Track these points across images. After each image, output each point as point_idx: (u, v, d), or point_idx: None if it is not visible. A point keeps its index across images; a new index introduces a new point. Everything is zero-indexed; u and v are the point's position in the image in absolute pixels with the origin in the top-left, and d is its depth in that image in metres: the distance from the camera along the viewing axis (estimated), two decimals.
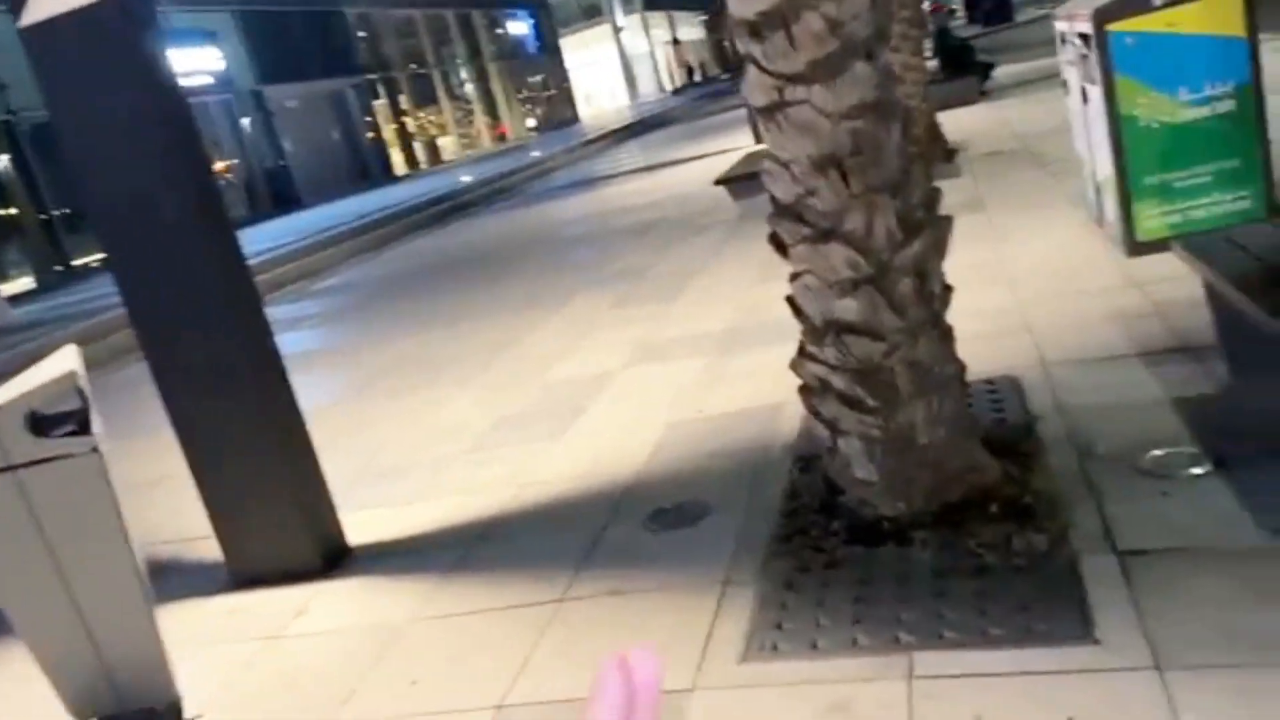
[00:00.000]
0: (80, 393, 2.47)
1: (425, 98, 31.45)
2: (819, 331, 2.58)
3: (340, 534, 3.37)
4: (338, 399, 5.57)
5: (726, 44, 70.18)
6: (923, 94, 8.01)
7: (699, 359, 4.58)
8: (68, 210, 17.88)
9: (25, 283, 17.13)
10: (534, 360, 5.33)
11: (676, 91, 50.91)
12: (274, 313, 9.74)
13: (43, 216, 17.51)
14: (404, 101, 29.91)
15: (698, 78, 53.15)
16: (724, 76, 58.39)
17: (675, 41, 60.06)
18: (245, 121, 23.10)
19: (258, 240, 15.06)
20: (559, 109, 41.31)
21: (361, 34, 28.34)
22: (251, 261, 10.16)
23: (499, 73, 36.03)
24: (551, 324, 6.14)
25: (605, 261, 7.74)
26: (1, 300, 12.52)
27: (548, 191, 15.68)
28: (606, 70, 51.62)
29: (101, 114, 2.99)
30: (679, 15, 60.76)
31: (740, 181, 7.84)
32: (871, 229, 2.42)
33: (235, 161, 22.57)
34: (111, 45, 2.96)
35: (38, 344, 9.11)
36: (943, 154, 8.03)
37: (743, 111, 23.01)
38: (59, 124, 3.06)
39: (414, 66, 30.89)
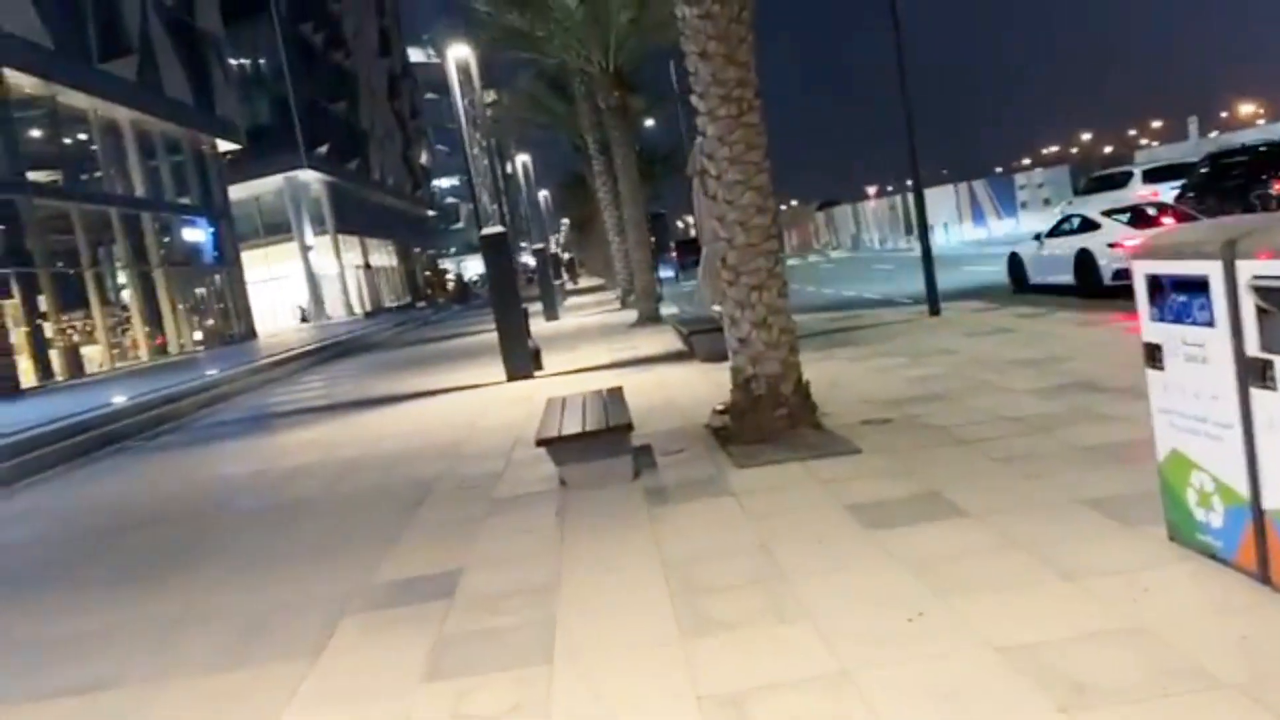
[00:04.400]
0: None
1: (72, 300, 26.56)
2: None
3: None
4: None
5: (420, 273, 69.55)
6: (793, 339, 6.39)
7: None
8: None
9: None
10: None
11: (369, 315, 48.52)
12: None
13: None
14: (44, 302, 24.93)
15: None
16: (419, 305, 57.03)
17: (367, 266, 58.35)
18: None
19: None
20: (234, 324, 37.23)
21: None
22: None
23: (166, 279, 31.79)
24: (310, 702, 3.36)
25: (368, 556, 5.04)
26: None
27: (229, 426, 12.44)
28: (291, 288, 48.47)
29: None
30: (371, 241, 59.47)
31: (571, 444, 5.62)
32: None
33: None
34: None
35: None
36: (810, 420, 6.35)
37: (466, 341, 21.12)
38: None
39: (61, 265, 26.19)
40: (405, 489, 6.62)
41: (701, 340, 10.64)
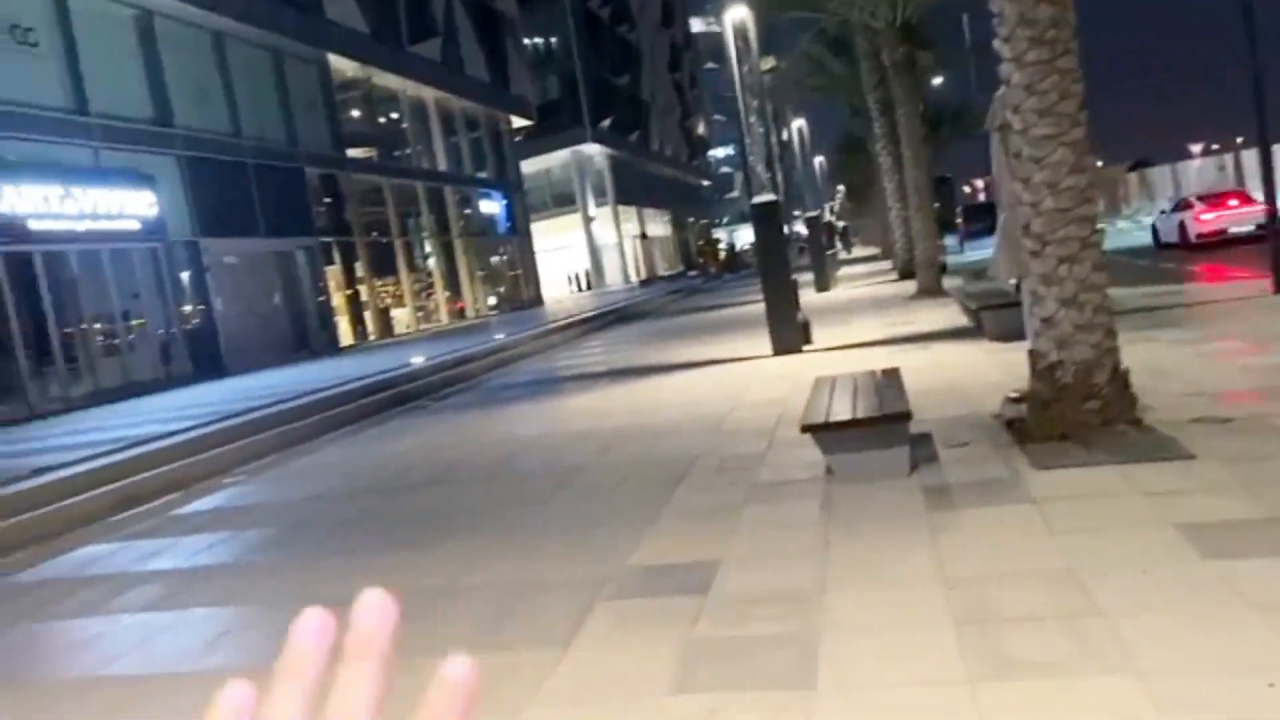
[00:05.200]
0: None
1: (384, 267, 29.24)
2: None
3: None
4: None
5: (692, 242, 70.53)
6: (1110, 321, 5.50)
7: None
8: None
9: None
10: None
11: (644, 283, 49.81)
12: (92, 559, 6.63)
13: None
14: (360, 269, 27.60)
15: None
16: (691, 274, 57.83)
17: (644, 236, 59.91)
18: (171, 276, 20.37)
19: (139, 419, 11.95)
20: (523, 290, 39.50)
21: (322, 195, 26.29)
22: (103, 460, 6.88)
23: (465, 249, 34.20)
24: (555, 699, 3.19)
25: (626, 535, 4.86)
26: None
27: (514, 389, 12.96)
28: (574, 257, 50.68)
29: None
30: (647, 211, 60.95)
31: (840, 431, 5.15)
32: None
33: (143, 321, 19.62)
34: None
35: None
36: (1129, 416, 5.44)
37: (735, 311, 20.96)
38: None
39: (375, 234, 28.83)
40: (667, 464, 6.43)
41: (991, 317, 9.69)
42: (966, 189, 62.02)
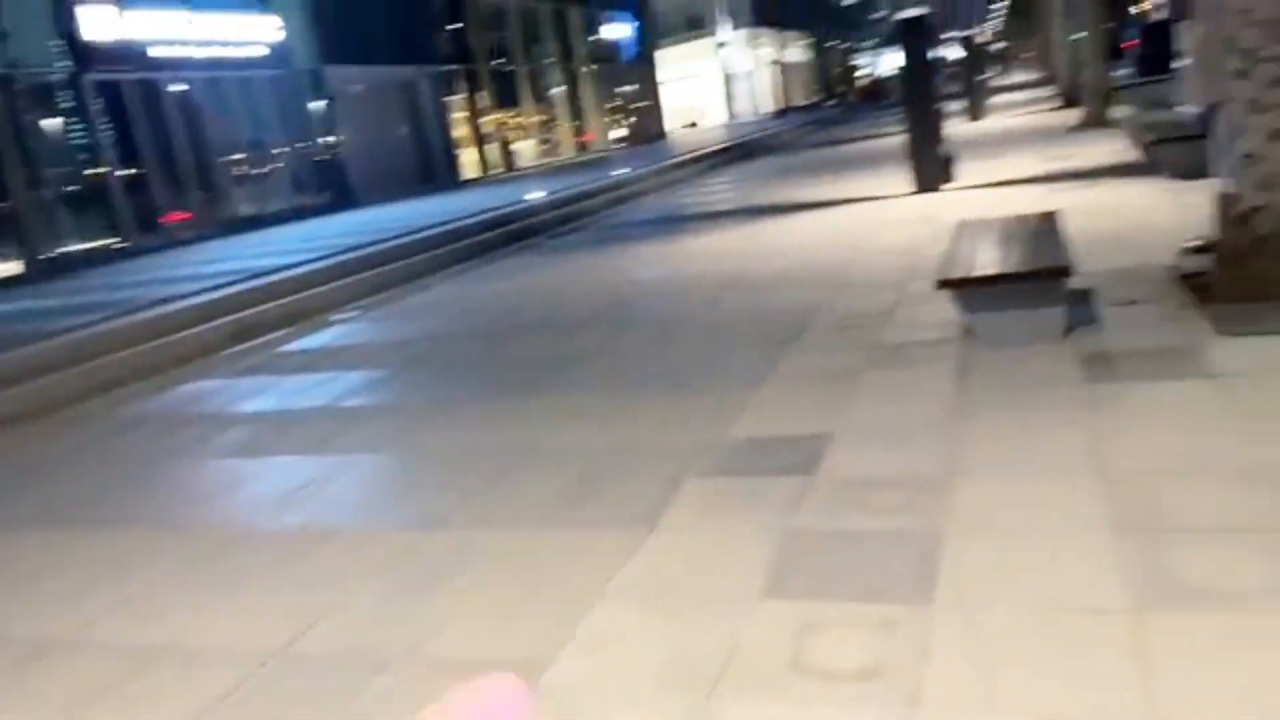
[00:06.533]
0: None
1: (507, 96, 28.57)
2: None
3: None
4: None
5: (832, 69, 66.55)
6: None
7: None
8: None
9: None
10: None
11: (778, 114, 47.51)
12: (196, 396, 6.60)
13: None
14: (483, 99, 27.03)
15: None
16: (828, 104, 54.84)
17: (777, 62, 56.78)
18: (298, 104, 20.32)
19: (263, 250, 12.05)
20: (647, 123, 38.20)
21: (446, 21, 25.53)
22: (219, 293, 6.62)
23: (590, 77, 33.04)
24: (625, 591, 2.81)
25: (727, 400, 4.38)
26: None
27: (632, 228, 12.41)
28: (702, 86, 48.58)
29: None
30: (786, 34, 57.46)
31: (984, 288, 4.44)
32: None
33: (274, 151, 19.74)
34: None
35: None
36: None
37: (874, 145, 19.49)
38: None
39: (500, 61, 28.05)
40: (782, 318, 5.85)
41: (1169, 150, 8.44)
42: (1135, 8, 55.64)
